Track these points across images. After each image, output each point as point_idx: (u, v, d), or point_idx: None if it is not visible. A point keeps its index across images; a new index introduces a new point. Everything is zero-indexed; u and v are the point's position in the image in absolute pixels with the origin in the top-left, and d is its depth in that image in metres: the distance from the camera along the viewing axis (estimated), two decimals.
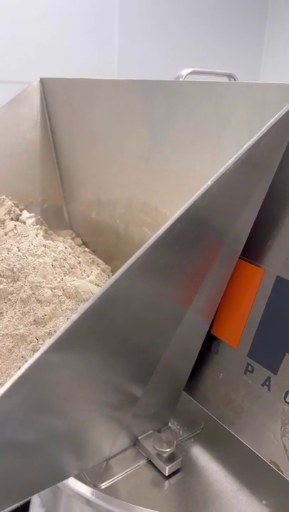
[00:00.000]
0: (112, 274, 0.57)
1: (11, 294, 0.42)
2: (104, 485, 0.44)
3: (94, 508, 0.44)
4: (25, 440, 0.30)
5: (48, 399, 0.29)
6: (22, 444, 0.31)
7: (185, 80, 0.58)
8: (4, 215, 0.48)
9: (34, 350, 0.39)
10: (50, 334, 0.39)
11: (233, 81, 0.62)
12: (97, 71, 1.46)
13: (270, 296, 0.44)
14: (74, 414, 0.35)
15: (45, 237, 0.51)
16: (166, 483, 0.45)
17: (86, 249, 0.57)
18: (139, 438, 0.48)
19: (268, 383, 0.45)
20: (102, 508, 0.43)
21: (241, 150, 0.31)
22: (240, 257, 0.45)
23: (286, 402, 0.44)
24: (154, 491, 0.44)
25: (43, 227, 0.56)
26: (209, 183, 0.30)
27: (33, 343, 0.39)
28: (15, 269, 0.43)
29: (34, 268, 0.43)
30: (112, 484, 0.44)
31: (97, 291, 0.42)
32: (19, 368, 0.37)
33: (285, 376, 0.43)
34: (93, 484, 0.44)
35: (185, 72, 0.58)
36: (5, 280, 0.42)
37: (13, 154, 0.67)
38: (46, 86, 0.68)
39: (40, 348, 0.39)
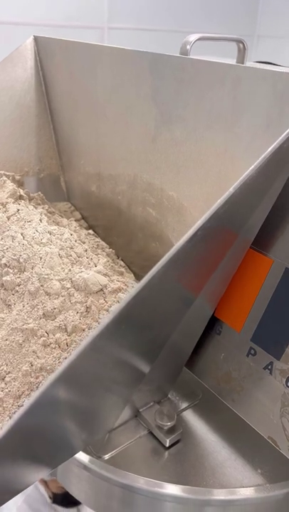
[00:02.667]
0: (117, 257, 0.56)
1: (18, 286, 0.41)
2: (107, 456, 0.46)
3: (99, 478, 0.46)
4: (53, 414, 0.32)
5: (84, 379, 0.32)
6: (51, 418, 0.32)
7: (192, 46, 0.54)
8: (7, 198, 0.46)
9: (45, 345, 0.38)
10: (60, 328, 0.39)
11: (243, 47, 0.58)
12: (86, 16, 1.37)
13: (277, 286, 0.45)
14: (95, 392, 0.36)
15: (49, 218, 0.49)
16: (166, 453, 0.47)
17: (90, 231, 0.56)
18: (141, 410, 0.49)
19: (270, 367, 0.47)
20: (107, 478, 0.45)
21: (265, 154, 0.30)
22: (250, 246, 0.45)
23: (288, 386, 0.45)
24: (154, 461, 0.46)
25: (46, 207, 0.54)
26: (232, 190, 0.29)
27: (43, 338, 0.39)
28: (21, 260, 0.41)
29: (41, 258, 0.42)
30: (115, 455, 0.46)
31: (106, 282, 0.42)
32: (31, 364, 0.38)
33: (288, 362, 0.45)
34: (97, 455, 0.46)
35: (192, 38, 0.54)
36: (11, 271, 0.41)
37: (7, 121, 0.63)
38: (41, 46, 0.63)
39: (50, 342, 0.39)
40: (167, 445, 0.47)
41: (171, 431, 0.48)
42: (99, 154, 0.60)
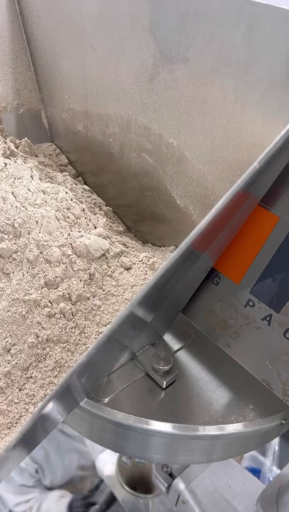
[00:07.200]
0: (113, 213, 0.53)
1: (15, 253, 0.38)
2: (107, 399, 0.47)
3: (100, 420, 0.48)
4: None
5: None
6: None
7: None
8: None
9: (49, 316, 0.37)
10: (63, 297, 0.38)
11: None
12: None
13: (282, 243, 0.44)
14: (108, 346, 0.37)
15: (41, 171, 0.45)
16: (163, 393, 0.49)
17: (85, 186, 0.52)
18: (137, 354, 0.50)
19: (268, 319, 0.47)
20: (109, 421, 0.47)
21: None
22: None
23: (286, 337, 0.46)
24: (151, 400, 0.48)
25: (35, 159, 0.49)
26: (256, 165, 0.27)
27: (47, 308, 0.37)
28: (16, 224, 0.38)
29: (37, 222, 0.39)
30: (115, 398, 0.48)
31: (107, 246, 0.40)
32: (37, 336, 0.36)
33: (288, 316, 0.45)
34: (97, 399, 0.47)
35: None
36: (6, 237, 0.38)
37: None
38: None
39: (55, 313, 0.37)
40: (164, 387, 0.48)
41: (167, 373, 0.49)
42: (86, 90, 0.54)
